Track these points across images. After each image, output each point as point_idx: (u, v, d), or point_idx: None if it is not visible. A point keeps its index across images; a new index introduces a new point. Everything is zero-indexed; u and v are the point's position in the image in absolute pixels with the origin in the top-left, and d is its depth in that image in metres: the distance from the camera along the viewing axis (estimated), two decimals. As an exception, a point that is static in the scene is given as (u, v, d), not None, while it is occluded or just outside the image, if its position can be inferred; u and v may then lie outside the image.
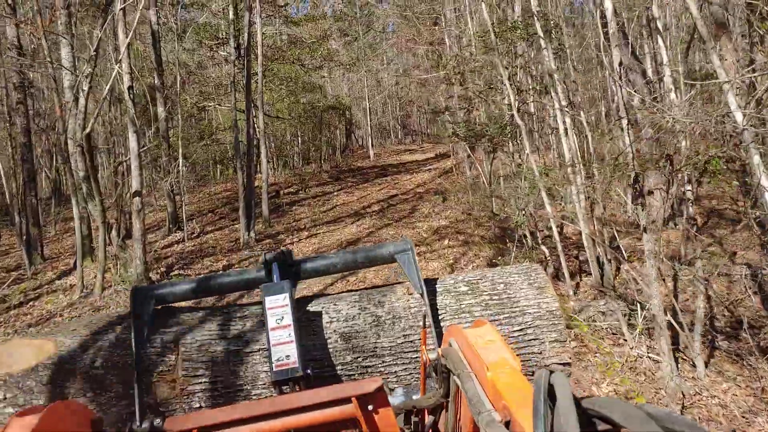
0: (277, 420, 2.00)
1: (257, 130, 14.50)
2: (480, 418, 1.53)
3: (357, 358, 2.91)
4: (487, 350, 1.84)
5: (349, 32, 26.75)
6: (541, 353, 2.95)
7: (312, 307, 3.06)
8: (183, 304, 3.16)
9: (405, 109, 44.64)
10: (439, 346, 2.42)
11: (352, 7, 31.49)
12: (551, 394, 1.15)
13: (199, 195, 19.38)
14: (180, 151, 14.30)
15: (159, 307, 3.02)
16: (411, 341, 2.93)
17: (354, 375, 2.87)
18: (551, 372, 1.22)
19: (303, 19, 18.56)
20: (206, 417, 1.97)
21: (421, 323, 2.88)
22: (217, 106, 16.41)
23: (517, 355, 2.11)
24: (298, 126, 20.17)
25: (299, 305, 2.97)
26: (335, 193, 18.13)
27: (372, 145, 29.59)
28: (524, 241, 9.90)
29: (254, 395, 2.85)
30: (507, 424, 1.46)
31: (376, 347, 2.93)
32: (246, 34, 12.82)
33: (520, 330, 2.97)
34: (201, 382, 2.79)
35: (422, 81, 42.88)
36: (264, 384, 2.82)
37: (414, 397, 2.67)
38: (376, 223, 14.01)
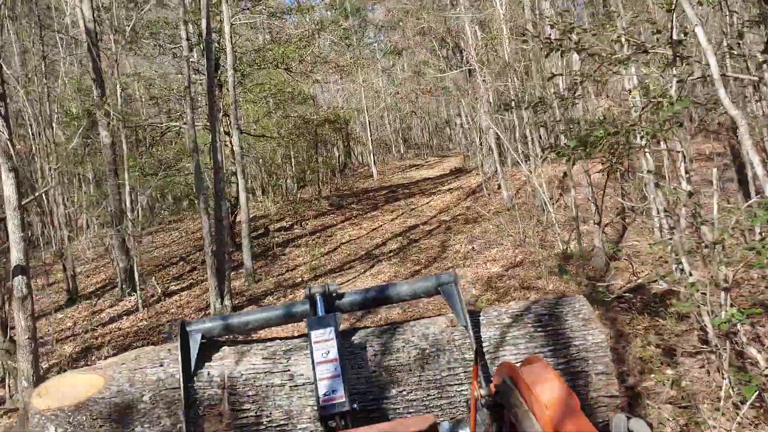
0: None
1: (235, 153, 11.72)
2: None
3: (401, 391, 2.89)
4: (544, 387, 1.85)
5: (342, 34, 22.55)
6: (587, 385, 2.89)
7: (355, 340, 3.03)
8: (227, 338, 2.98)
9: (405, 121, 40.73)
10: (489, 381, 2.42)
11: (342, 11, 27.33)
12: None
13: (169, 237, 16.96)
14: (133, 185, 10.19)
15: (205, 341, 3.01)
16: (455, 374, 2.89)
17: (398, 409, 2.84)
18: (629, 417, 1.25)
19: (289, 9, 14.30)
20: None
21: (465, 356, 2.87)
22: (169, 125, 12.20)
23: None
24: (289, 145, 15.84)
25: (343, 338, 2.93)
26: (338, 226, 15.41)
27: (374, 163, 27.53)
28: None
29: (300, 429, 2.83)
30: None
31: (421, 381, 2.91)
32: (204, 20, 8.54)
33: (566, 362, 2.89)
34: (247, 416, 2.81)
35: (425, 89, 39.25)
36: (308, 419, 2.80)
37: None
38: (398, 269, 10.80)
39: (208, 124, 9.69)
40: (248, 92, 12.78)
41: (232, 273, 10.29)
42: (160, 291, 10.74)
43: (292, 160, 22.07)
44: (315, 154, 18.91)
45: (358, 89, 27.99)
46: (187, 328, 3.06)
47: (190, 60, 10.66)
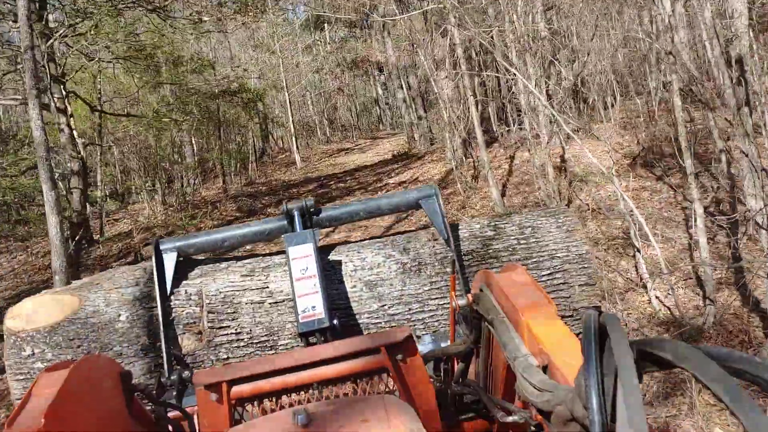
0: (306, 371, 1.94)
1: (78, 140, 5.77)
2: (516, 363, 1.54)
3: (383, 306, 2.88)
4: (520, 294, 1.79)
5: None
6: (569, 297, 2.90)
7: (335, 256, 3.02)
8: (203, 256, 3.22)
9: (331, 100, 35.93)
10: (468, 292, 2.34)
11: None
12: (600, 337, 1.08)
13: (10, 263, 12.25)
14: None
15: (181, 258, 3.02)
16: (438, 288, 2.90)
17: (380, 323, 2.86)
18: (600, 312, 1.11)
19: None
20: (235, 370, 1.93)
21: (447, 269, 2.87)
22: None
23: None
24: (182, 128, 10.50)
25: (322, 254, 2.91)
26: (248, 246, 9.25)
27: (297, 148, 23.55)
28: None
29: (280, 346, 2.86)
30: (544, 369, 1.45)
31: (402, 295, 2.90)
32: None
33: (549, 274, 2.90)
34: (226, 334, 2.81)
35: (353, 63, 34.52)
36: (290, 334, 2.83)
37: (443, 345, 2.64)
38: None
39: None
40: (95, 43, 7.48)
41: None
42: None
43: (193, 147, 16.72)
44: (219, 139, 13.60)
45: (276, 62, 22.55)
46: (162, 246, 2.97)
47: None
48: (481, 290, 2.04)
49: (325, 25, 35.91)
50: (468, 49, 11.40)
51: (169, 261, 2.91)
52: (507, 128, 16.74)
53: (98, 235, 12.44)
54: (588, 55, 13.26)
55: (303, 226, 2.93)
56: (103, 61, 10.20)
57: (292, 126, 23.15)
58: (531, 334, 1.54)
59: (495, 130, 14.94)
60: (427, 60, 10.33)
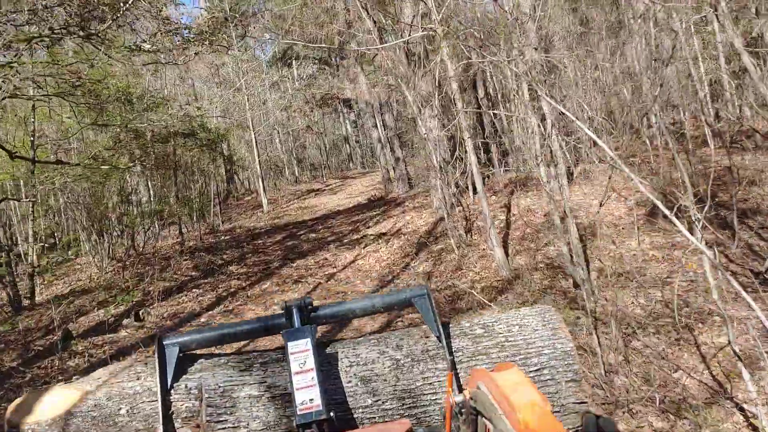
0: None
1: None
2: None
3: (377, 401, 2.95)
4: (516, 393, 1.91)
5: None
6: (557, 392, 2.99)
7: (331, 351, 3.13)
8: (204, 351, 3.28)
9: (299, 139, 34.71)
10: (461, 390, 2.62)
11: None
12: None
13: None
14: None
15: (182, 354, 3.09)
16: (430, 383, 2.99)
17: (375, 418, 2.92)
18: (597, 417, 1.38)
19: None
20: None
21: (438, 366, 3.00)
22: None
23: None
24: (131, 173, 8.61)
25: (318, 350, 3.00)
26: (202, 317, 8.68)
27: (264, 190, 22.04)
28: None
29: None
30: None
31: (396, 390, 2.98)
32: None
33: (536, 370, 2.99)
34: (224, 428, 2.83)
35: (322, 100, 33.40)
36: (287, 428, 2.85)
37: None
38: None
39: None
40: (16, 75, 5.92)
41: None
42: None
43: (151, 193, 14.96)
44: (174, 185, 11.91)
45: (242, 99, 21.06)
46: (164, 342, 3.03)
47: None
48: (478, 387, 2.14)
49: (293, 61, 34.74)
50: (462, 82, 10.04)
51: (171, 356, 2.96)
52: (492, 170, 15.48)
53: (28, 299, 10.57)
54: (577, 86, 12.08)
55: (301, 322, 3.01)
56: (31, 98, 8.53)
57: (258, 167, 21.52)
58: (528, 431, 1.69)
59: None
60: (412, 95, 8.93)
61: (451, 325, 3.23)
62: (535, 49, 9.92)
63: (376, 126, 18.27)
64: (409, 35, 8.54)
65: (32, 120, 10.42)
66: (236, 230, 17.53)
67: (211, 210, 18.20)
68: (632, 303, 6.46)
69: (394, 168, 17.21)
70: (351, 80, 36.40)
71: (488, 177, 14.24)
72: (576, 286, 6.95)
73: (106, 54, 6.49)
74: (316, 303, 3.25)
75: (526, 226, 9.82)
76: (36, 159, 10.08)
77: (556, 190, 11.60)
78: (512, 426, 1.76)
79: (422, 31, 7.74)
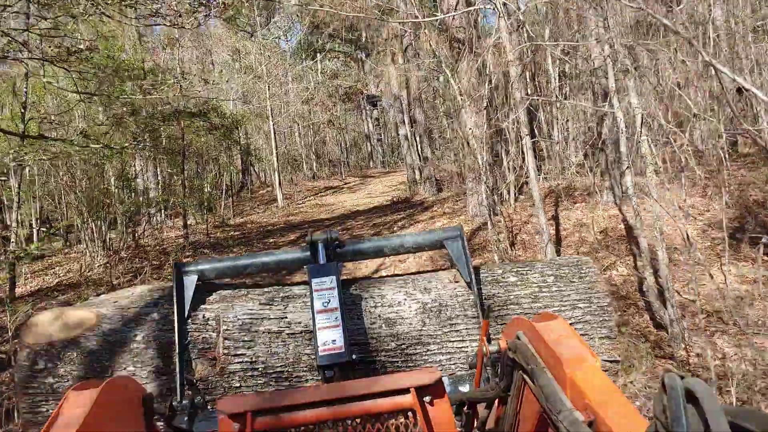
0: (332, 407, 1.90)
1: None
2: (560, 417, 1.51)
3: (401, 345, 2.81)
4: (562, 345, 1.74)
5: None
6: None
7: (355, 291, 2.97)
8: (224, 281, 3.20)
9: (320, 133, 33.55)
10: (488, 340, 2.38)
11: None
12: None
13: None
14: None
15: (201, 282, 2.95)
16: (456, 330, 2.83)
17: (397, 362, 2.81)
18: (682, 377, 1.09)
19: None
20: (261, 401, 1.90)
21: (467, 312, 2.86)
22: None
23: None
24: (134, 156, 7.22)
25: (343, 288, 2.85)
26: None
27: (280, 184, 20.65)
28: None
29: (295, 377, 2.79)
30: (590, 424, 1.42)
31: (421, 335, 2.83)
32: None
33: (570, 324, 2.40)
34: (241, 362, 2.73)
35: (345, 95, 32.44)
36: (305, 367, 2.74)
37: (461, 389, 2.58)
38: None
39: None
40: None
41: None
42: None
43: (159, 180, 13.78)
44: (182, 173, 10.61)
45: (263, 87, 19.90)
46: (183, 269, 2.89)
47: None
48: (518, 337, 1.99)
49: (318, 54, 33.49)
50: (506, 75, 8.65)
51: (190, 284, 2.85)
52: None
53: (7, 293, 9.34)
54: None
55: (327, 259, 2.86)
56: (17, 60, 7.29)
57: (275, 159, 20.21)
58: (575, 388, 1.52)
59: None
60: (457, 84, 7.56)
61: (482, 271, 3.05)
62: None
63: (403, 122, 16.92)
64: (459, 9, 7.19)
65: (25, 90, 9.23)
66: (247, 225, 16.25)
67: (221, 203, 16.97)
68: (735, 355, 5.09)
69: (421, 168, 15.85)
70: (376, 76, 35.14)
71: (525, 184, 12.89)
72: (659, 326, 5.58)
73: (103, 13, 5.24)
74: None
75: (581, 243, 8.45)
76: (26, 133, 8.87)
77: (608, 201, 10.23)
78: (557, 381, 1.61)
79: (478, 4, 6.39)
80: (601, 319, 2.84)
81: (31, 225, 12.90)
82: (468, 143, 9.74)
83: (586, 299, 2.87)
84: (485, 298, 2.89)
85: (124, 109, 7.52)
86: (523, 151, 6.59)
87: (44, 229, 14.41)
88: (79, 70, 7.69)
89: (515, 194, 10.44)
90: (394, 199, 15.73)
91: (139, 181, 15.07)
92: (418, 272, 3.19)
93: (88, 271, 10.72)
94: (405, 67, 13.13)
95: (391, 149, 46.68)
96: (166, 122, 8.58)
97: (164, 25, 6.25)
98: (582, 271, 3.02)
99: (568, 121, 13.97)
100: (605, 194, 9.79)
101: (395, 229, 11.65)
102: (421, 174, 16.08)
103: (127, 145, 7.28)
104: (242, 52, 23.76)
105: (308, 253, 2.92)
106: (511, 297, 2.90)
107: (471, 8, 6.73)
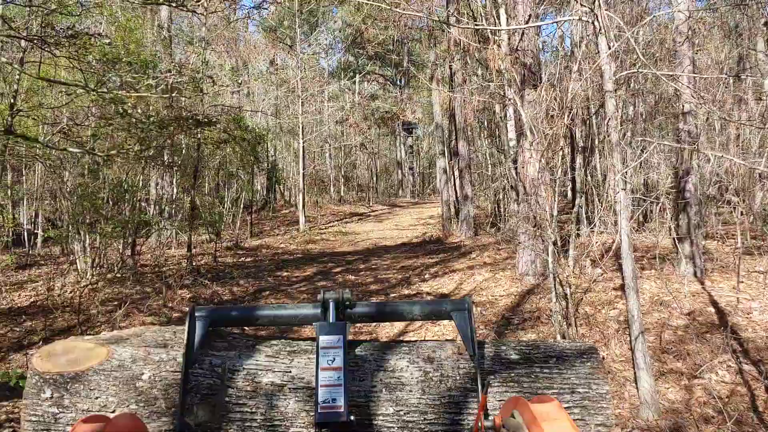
0: None
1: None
2: None
3: (399, 410, 2.75)
4: (554, 428, 1.80)
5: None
6: None
7: (359, 352, 2.92)
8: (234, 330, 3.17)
9: (350, 156, 32.55)
10: (486, 416, 2.40)
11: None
12: None
13: None
14: None
15: (211, 329, 2.93)
16: (455, 402, 2.77)
17: (393, 428, 2.74)
18: None
19: None
20: None
21: (467, 386, 2.80)
22: None
23: None
24: (135, 168, 5.75)
25: (348, 349, 2.83)
26: None
27: (303, 206, 19.14)
28: None
29: None
30: None
31: (420, 403, 2.76)
32: None
33: (567, 408, 2.76)
34: (242, 411, 2.70)
35: (380, 119, 31.48)
36: (303, 423, 2.67)
37: None
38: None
39: None
40: None
41: None
42: None
43: (175, 188, 12.41)
44: (192, 189, 9.17)
45: (295, 101, 18.67)
46: (196, 314, 2.85)
47: None
48: (512, 416, 2.02)
49: (356, 75, 32.31)
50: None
51: (201, 329, 2.80)
52: (579, 227, 12.34)
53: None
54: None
55: (336, 318, 2.85)
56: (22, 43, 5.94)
57: (300, 180, 18.75)
58: None
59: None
60: (526, 113, 5.97)
61: (486, 346, 2.98)
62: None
63: (443, 153, 15.33)
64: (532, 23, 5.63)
65: (17, 77, 7.89)
66: (262, 251, 14.73)
67: (238, 221, 15.49)
68: None
69: (457, 206, 14.23)
70: (416, 102, 33.80)
71: (576, 235, 11.19)
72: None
73: None
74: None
75: (661, 328, 6.73)
76: (12, 130, 7.48)
77: (687, 273, 8.47)
78: None
79: (576, 14, 4.83)
80: (597, 405, 2.79)
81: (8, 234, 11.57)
82: (525, 188, 8.12)
83: (585, 384, 2.82)
84: (486, 374, 2.86)
85: (113, 107, 6.13)
86: (614, 209, 4.96)
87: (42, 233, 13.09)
88: (77, 56, 6.32)
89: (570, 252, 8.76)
90: (426, 238, 14.05)
91: (152, 191, 13.74)
92: (424, 340, 3.17)
93: (71, 291, 9.29)
94: (453, 92, 11.63)
95: (422, 179, 45.34)
96: (165, 129, 7.14)
97: (168, 5, 4.90)
98: (584, 356, 2.97)
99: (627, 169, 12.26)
100: (684, 264, 8.05)
101: (426, 276, 9.97)
102: (457, 213, 14.44)
103: (114, 152, 5.87)
104: (279, 65, 22.63)
105: (319, 311, 2.91)
106: (512, 375, 2.85)
107: (562, 20, 5.21)
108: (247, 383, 2.71)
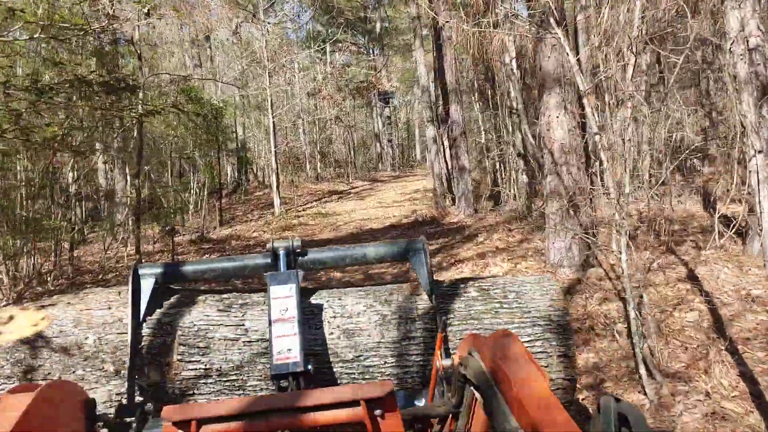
0: (281, 417, 1.84)
1: None
2: None
3: (358, 356, 2.72)
4: (513, 365, 1.72)
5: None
6: (547, 366, 2.79)
7: (315, 300, 2.89)
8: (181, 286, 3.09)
9: (326, 131, 30.70)
10: (448, 354, 2.39)
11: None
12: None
13: None
14: None
15: (158, 286, 2.85)
16: (416, 344, 2.76)
17: (354, 374, 2.70)
18: (618, 400, 1.13)
19: None
20: (206, 409, 1.84)
21: (427, 326, 2.77)
22: None
23: None
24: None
25: (302, 297, 2.79)
26: None
27: (278, 187, 17.07)
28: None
29: (249, 386, 2.69)
30: None
31: (380, 347, 2.74)
32: None
33: (529, 341, 2.76)
34: (196, 369, 2.64)
35: (356, 89, 29.49)
36: (260, 376, 2.65)
37: (416, 403, 2.54)
38: None
39: None
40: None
41: None
42: None
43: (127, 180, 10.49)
44: (135, 177, 7.31)
45: (261, 73, 16.80)
46: (140, 272, 2.80)
47: None
48: (470, 354, 1.96)
49: (327, 45, 30.07)
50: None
51: (146, 287, 2.74)
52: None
53: None
54: None
55: (287, 266, 2.80)
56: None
57: (273, 159, 16.74)
58: (522, 408, 1.50)
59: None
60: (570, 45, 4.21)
61: (444, 285, 2.97)
62: None
63: (431, 120, 13.41)
64: None
65: None
66: (231, 242, 12.82)
67: (202, 209, 13.51)
68: None
69: (452, 179, 12.41)
70: (387, 68, 31.75)
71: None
72: None
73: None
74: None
75: (757, 331, 5.08)
76: None
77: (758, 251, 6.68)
78: (505, 400, 1.60)
79: None
80: (560, 337, 2.72)
81: None
82: (553, 156, 6.33)
83: (546, 317, 2.75)
84: (445, 312, 2.77)
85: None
86: (754, 179, 3.21)
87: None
88: None
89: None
90: (418, 218, 12.22)
91: (101, 182, 11.70)
92: (380, 283, 3.06)
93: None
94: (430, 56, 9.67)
95: (401, 151, 43.37)
96: (54, 96, 5.15)
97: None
98: (544, 288, 2.90)
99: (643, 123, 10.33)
100: (754, 242, 6.35)
101: (432, 272, 8.22)
102: (450, 187, 12.64)
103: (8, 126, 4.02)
104: (241, 34, 20.44)
105: (269, 260, 2.81)
106: (472, 312, 2.77)
107: None
108: (199, 339, 2.62)
